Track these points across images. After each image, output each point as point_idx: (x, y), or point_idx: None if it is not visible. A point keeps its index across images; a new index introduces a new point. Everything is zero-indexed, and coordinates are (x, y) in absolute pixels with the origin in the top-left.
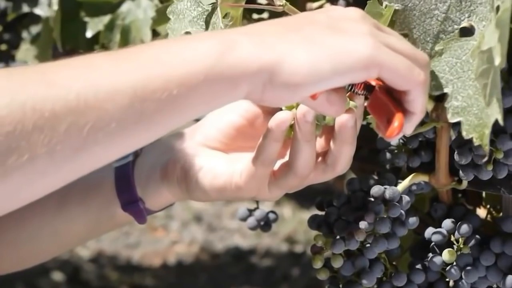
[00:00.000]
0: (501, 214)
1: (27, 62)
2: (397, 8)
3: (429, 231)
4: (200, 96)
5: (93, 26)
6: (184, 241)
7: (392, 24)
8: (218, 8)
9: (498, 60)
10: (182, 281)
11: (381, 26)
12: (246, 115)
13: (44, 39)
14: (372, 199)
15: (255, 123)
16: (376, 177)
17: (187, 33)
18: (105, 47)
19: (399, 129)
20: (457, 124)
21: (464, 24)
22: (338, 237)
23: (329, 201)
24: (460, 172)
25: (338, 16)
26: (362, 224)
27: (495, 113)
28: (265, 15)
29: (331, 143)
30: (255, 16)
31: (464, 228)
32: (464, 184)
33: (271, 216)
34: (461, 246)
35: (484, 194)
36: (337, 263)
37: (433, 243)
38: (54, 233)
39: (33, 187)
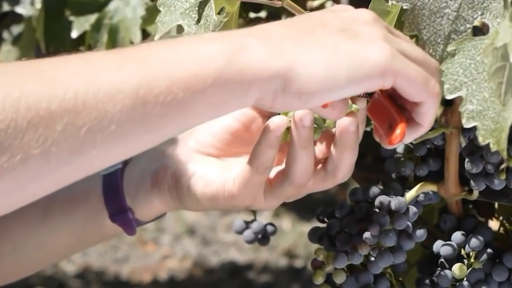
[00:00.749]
0: None
1: None
2: (405, 7)
3: (437, 245)
4: (206, 101)
5: (79, 26)
6: (176, 255)
7: (400, 25)
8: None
9: None
10: None
11: (392, 29)
12: (242, 119)
13: (27, 40)
14: (377, 210)
15: (251, 127)
16: (381, 187)
17: (179, 26)
18: (91, 49)
19: (401, 138)
20: (468, 130)
21: (477, 22)
22: (340, 250)
23: (330, 212)
24: (471, 181)
25: (350, 18)
26: (366, 237)
27: None
28: (262, 13)
29: (332, 148)
30: (252, 14)
31: (475, 241)
32: (475, 194)
33: (269, 228)
34: (472, 260)
35: (496, 205)
36: (340, 279)
37: (442, 258)
38: (38, 245)
39: (25, 189)
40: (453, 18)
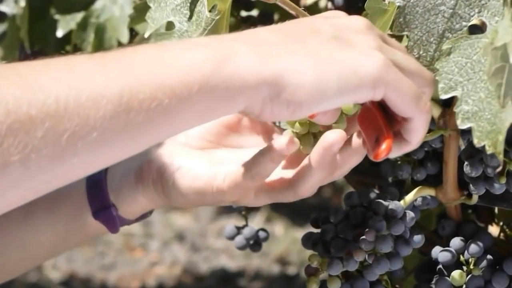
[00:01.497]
0: None
1: None
2: (398, 4)
3: (436, 251)
4: (193, 108)
5: (65, 25)
6: (165, 262)
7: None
8: None
9: None
10: None
11: (387, 38)
12: None
13: (10, 39)
14: (373, 215)
15: (243, 119)
16: (377, 191)
17: (169, 22)
18: (77, 48)
19: (386, 154)
20: (467, 132)
21: (474, 20)
22: (335, 257)
23: (325, 217)
24: (470, 185)
25: (342, 25)
26: (362, 243)
27: (511, 116)
28: (254, 12)
29: (306, 160)
30: (243, 13)
31: (475, 247)
32: (475, 199)
33: (262, 234)
34: (472, 267)
35: (496, 210)
36: (334, 286)
37: (440, 264)
38: (21, 245)
39: (3, 197)
40: (449, 15)
